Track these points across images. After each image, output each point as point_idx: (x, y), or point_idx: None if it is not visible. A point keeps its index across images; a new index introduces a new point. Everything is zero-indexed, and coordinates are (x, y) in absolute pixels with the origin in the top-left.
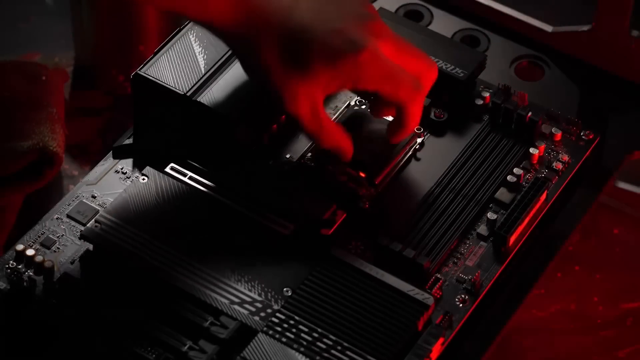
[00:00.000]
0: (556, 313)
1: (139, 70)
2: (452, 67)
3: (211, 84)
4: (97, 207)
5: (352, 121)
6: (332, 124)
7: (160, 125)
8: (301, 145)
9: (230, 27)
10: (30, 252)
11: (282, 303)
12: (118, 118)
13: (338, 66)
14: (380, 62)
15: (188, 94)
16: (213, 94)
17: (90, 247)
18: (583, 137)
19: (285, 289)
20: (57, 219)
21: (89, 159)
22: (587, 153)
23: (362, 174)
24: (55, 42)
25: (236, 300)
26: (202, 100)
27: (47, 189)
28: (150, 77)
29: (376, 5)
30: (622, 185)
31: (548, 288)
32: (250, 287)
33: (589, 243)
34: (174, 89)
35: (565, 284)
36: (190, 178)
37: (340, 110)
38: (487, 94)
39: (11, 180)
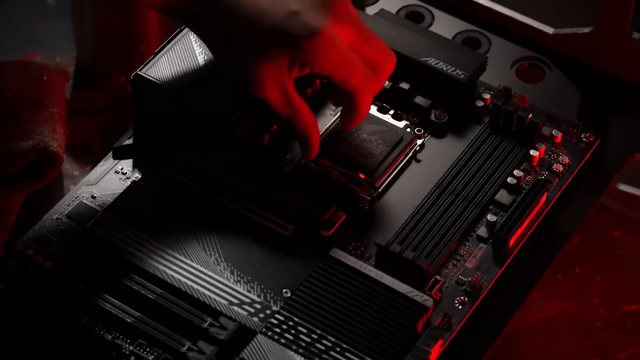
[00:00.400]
0: (556, 315)
1: (139, 70)
2: (453, 68)
3: (211, 84)
4: (96, 208)
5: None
6: (308, 112)
7: (160, 125)
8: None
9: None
10: (29, 251)
11: (281, 304)
12: (119, 118)
13: (294, 49)
14: (335, 47)
15: (187, 95)
16: (212, 95)
17: (90, 247)
18: (583, 139)
19: (284, 290)
20: (56, 219)
21: (90, 159)
22: (588, 155)
23: (362, 175)
24: (57, 42)
25: (235, 301)
26: (201, 101)
27: (48, 189)
28: (150, 78)
29: (377, 7)
30: (623, 187)
31: (548, 290)
32: (249, 288)
33: (589, 245)
34: (173, 90)
35: (566, 286)
36: (190, 178)
37: None
38: (487, 96)
39: (12, 180)
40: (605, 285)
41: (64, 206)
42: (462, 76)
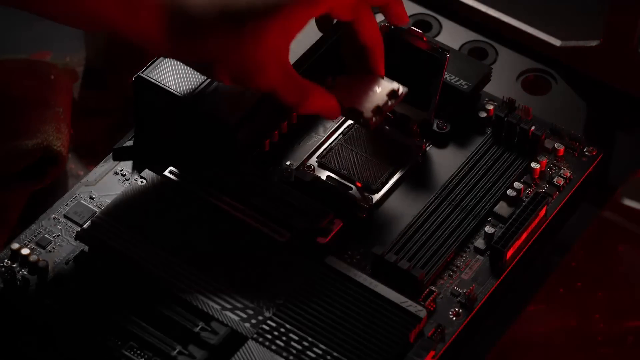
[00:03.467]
0: (556, 329)
1: (141, 72)
2: (457, 79)
3: (212, 88)
4: (94, 208)
5: (354, 130)
6: (313, 84)
7: (160, 128)
8: (302, 152)
9: (172, 40)
10: (25, 251)
11: (274, 310)
12: (126, 119)
13: (282, 13)
14: None
15: (189, 98)
16: (214, 99)
17: (86, 248)
18: (586, 153)
19: (277, 297)
20: (54, 218)
21: (95, 159)
22: (590, 169)
23: (359, 184)
24: (68, 42)
25: (228, 306)
26: (202, 105)
27: (52, 188)
28: (152, 80)
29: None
30: (628, 202)
31: (549, 303)
32: (242, 294)
33: (592, 259)
34: (175, 93)
35: (567, 300)
36: (188, 182)
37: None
38: (491, 107)
39: (15, 178)
40: (607, 301)
41: (62, 206)
42: (466, 86)
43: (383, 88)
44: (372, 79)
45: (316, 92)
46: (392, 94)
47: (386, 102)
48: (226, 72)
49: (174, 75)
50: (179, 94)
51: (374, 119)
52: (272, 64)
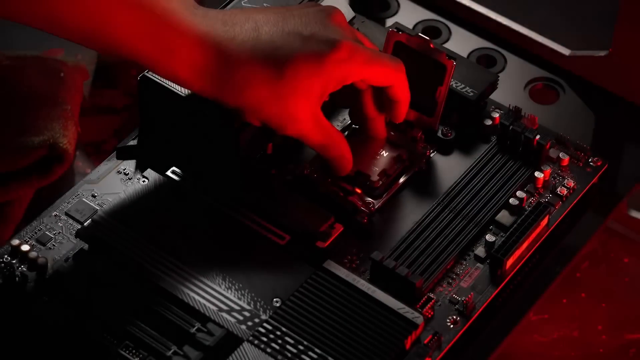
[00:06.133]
0: (558, 339)
1: (146, 72)
2: (463, 86)
3: None
4: (95, 207)
5: (358, 134)
6: (338, 132)
7: (164, 128)
8: (304, 156)
9: (206, 82)
10: (25, 247)
11: (271, 313)
12: (135, 118)
13: (323, 67)
14: (360, 49)
15: (193, 99)
16: None
17: (86, 246)
18: (591, 163)
19: (275, 299)
20: (55, 216)
21: (102, 157)
22: (594, 180)
23: (358, 190)
24: None
25: (225, 307)
26: (206, 106)
27: (58, 185)
28: (157, 80)
29: (393, 20)
30: (635, 213)
31: (552, 313)
32: (240, 296)
33: (597, 270)
34: (179, 93)
35: (570, 311)
36: (190, 183)
37: (348, 123)
38: (497, 115)
39: (20, 174)
40: (610, 312)
41: (63, 203)
42: (472, 94)
43: (390, 152)
44: (379, 143)
45: (340, 141)
46: (398, 159)
47: (392, 166)
48: (258, 118)
49: None
50: (183, 95)
51: (380, 182)
52: (306, 115)
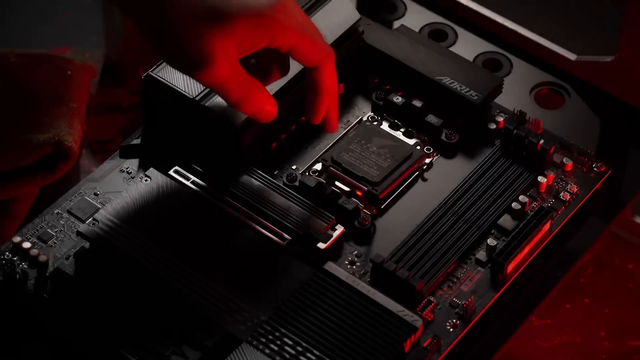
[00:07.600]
0: (561, 345)
1: (151, 71)
2: (467, 89)
3: None
4: (97, 205)
5: (362, 136)
6: (258, 83)
7: (168, 127)
8: (308, 157)
9: None
10: (26, 244)
11: (270, 314)
12: (142, 117)
13: (255, 17)
14: (297, 13)
15: (197, 99)
16: (222, 101)
17: (87, 244)
18: (595, 168)
19: (274, 300)
20: (57, 213)
21: (108, 156)
22: (597, 185)
23: (359, 193)
24: (88, 38)
25: (224, 307)
26: (209, 106)
27: (64, 183)
28: (161, 79)
29: (399, 22)
30: (639, 219)
31: (555, 319)
32: (240, 296)
33: (601, 276)
34: (183, 92)
35: (573, 316)
36: (193, 182)
37: (352, 125)
38: (501, 119)
39: (25, 172)
40: (613, 318)
41: (65, 201)
42: (476, 97)
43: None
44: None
45: (260, 91)
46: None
47: (394, 169)
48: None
49: (183, 75)
50: (187, 94)
51: (382, 184)
52: (223, 56)
